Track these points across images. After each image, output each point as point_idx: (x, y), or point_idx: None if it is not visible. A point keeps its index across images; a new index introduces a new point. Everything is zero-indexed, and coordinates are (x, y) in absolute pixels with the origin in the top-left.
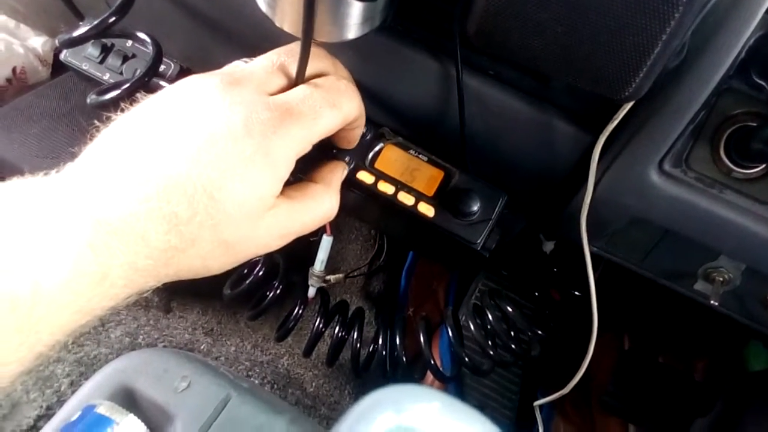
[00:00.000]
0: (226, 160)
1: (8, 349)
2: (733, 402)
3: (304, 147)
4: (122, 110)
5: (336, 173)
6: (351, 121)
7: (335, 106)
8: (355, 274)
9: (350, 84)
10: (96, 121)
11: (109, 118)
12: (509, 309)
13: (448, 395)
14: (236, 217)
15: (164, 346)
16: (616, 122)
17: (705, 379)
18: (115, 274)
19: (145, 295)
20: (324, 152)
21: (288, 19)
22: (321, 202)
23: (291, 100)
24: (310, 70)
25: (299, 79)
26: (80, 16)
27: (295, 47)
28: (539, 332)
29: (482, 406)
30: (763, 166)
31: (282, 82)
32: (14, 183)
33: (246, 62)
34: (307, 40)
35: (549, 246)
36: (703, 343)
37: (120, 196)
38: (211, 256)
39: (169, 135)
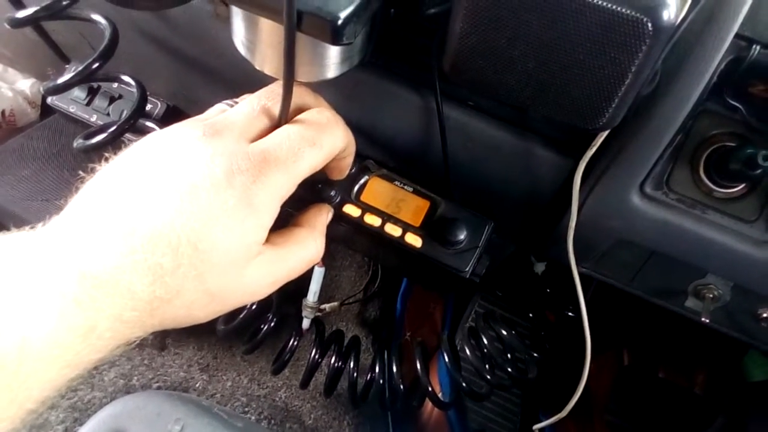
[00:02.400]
0: (209, 211)
1: None
2: (735, 414)
3: (287, 190)
4: (106, 159)
5: (320, 216)
6: (337, 153)
7: (315, 144)
8: (350, 301)
9: (332, 117)
10: (80, 172)
11: (93, 169)
12: (504, 331)
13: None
14: (221, 266)
15: (159, 387)
16: (594, 148)
17: (705, 392)
18: (101, 327)
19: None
20: (309, 188)
21: (268, 62)
22: (306, 247)
23: (269, 147)
24: (293, 108)
25: (282, 120)
26: (66, 60)
27: (276, 88)
28: (535, 354)
29: (483, 429)
30: (743, 185)
31: (264, 124)
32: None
33: (230, 105)
34: (289, 82)
35: (540, 267)
36: (702, 355)
37: (105, 249)
38: (196, 306)
39: (153, 186)
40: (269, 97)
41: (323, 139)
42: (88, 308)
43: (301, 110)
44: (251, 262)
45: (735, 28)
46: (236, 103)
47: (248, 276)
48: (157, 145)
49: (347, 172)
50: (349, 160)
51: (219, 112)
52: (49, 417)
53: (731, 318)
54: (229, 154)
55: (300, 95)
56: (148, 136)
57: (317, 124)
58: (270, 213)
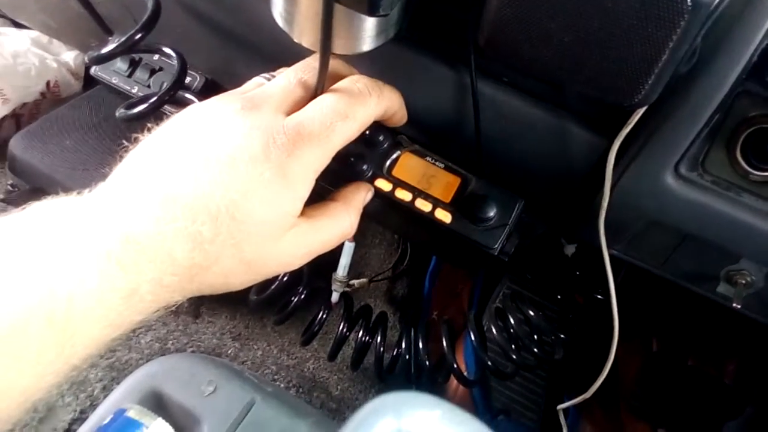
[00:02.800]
0: (247, 183)
1: (45, 362)
2: (765, 405)
3: (321, 164)
4: (148, 129)
5: (358, 194)
6: (371, 121)
7: (348, 117)
8: (379, 278)
9: (364, 87)
10: (124, 141)
11: (137, 139)
12: (531, 312)
13: (450, 404)
14: (257, 236)
15: (193, 351)
16: (630, 127)
17: (735, 382)
18: (143, 290)
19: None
20: (343, 162)
21: (305, 34)
22: (339, 220)
23: (303, 121)
24: (329, 79)
25: (318, 92)
26: (109, 32)
27: (312, 61)
28: (562, 336)
29: (507, 409)
30: None
31: (300, 97)
32: (49, 203)
33: (267, 78)
34: (326, 54)
35: (570, 249)
36: (733, 345)
37: (147, 215)
38: (232, 274)
39: (193, 157)
40: (305, 71)
41: (356, 110)
42: (131, 271)
43: (336, 81)
44: (286, 233)
45: None
46: (273, 77)
47: (283, 247)
48: (197, 117)
49: (402, 123)
50: (399, 116)
51: (256, 85)
52: (89, 375)
53: (763, 304)
54: (265, 128)
55: (335, 67)
56: (188, 108)
57: (349, 96)
58: (305, 186)
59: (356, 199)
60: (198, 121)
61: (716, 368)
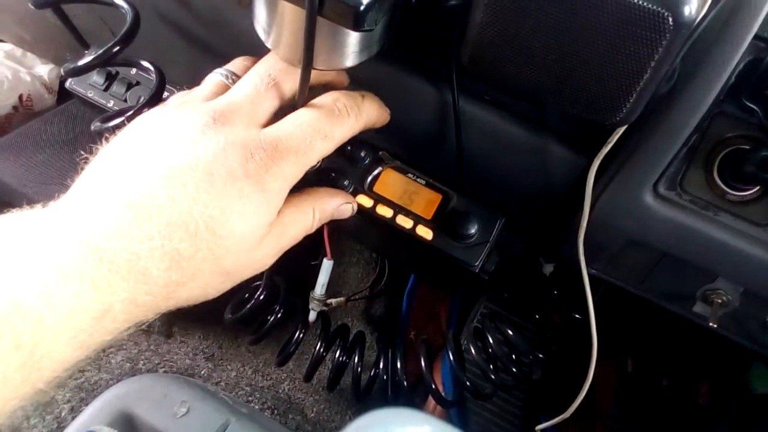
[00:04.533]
0: (226, 199)
1: (11, 387)
2: (738, 425)
3: (297, 177)
4: (106, 139)
5: (329, 193)
6: (346, 139)
7: (326, 136)
8: (357, 297)
9: (346, 106)
10: (82, 152)
11: (96, 149)
12: (510, 332)
13: (439, 420)
14: (236, 249)
15: (165, 372)
16: (610, 146)
17: (709, 403)
18: (116, 309)
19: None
20: (323, 177)
21: (288, 48)
22: (304, 213)
23: (281, 136)
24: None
25: (297, 102)
26: (86, 45)
27: (275, 61)
28: (540, 355)
29: (485, 431)
30: (757, 188)
31: (272, 105)
32: (13, 216)
33: (224, 75)
34: (307, 69)
35: (549, 268)
36: (707, 366)
37: (122, 234)
38: (210, 285)
39: (167, 173)
40: (272, 72)
41: (334, 130)
42: (104, 291)
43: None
44: (263, 240)
45: (754, 30)
46: (231, 72)
47: (259, 253)
48: (165, 129)
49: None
50: (378, 124)
51: (215, 86)
52: (56, 396)
53: (739, 324)
54: (242, 143)
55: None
56: (150, 115)
57: (328, 115)
58: (281, 197)
59: (323, 196)
60: (166, 134)
61: (690, 388)
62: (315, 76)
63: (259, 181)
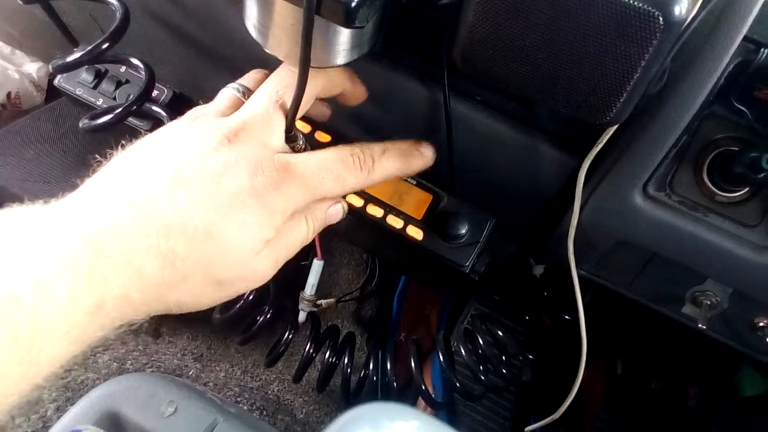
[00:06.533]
0: (229, 207)
1: (10, 382)
2: (726, 428)
3: (301, 204)
4: (123, 146)
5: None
6: (376, 183)
7: (338, 179)
8: (347, 298)
9: (366, 161)
10: (97, 156)
11: (111, 155)
12: (500, 333)
13: (428, 416)
14: (230, 258)
15: (152, 372)
16: (600, 146)
17: (698, 405)
18: (109, 305)
19: None
20: None
21: (279, 45)
22: (300, 226)
23: (296, 163)
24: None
25: (293, 116)
26: (75, 43)
27: (286, 76)
28: (530, 357)
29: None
30: (746, 189)
31: (280, 120)
32: (12, 211)
33: (237, 90)
34: (305, 66)
35: (539, 270)
36: (696, 369)
37: (120, 230)
38: (202, 293)
39: (177, 181)
40: (282, 88)
41: (347, 179)
42: (98, 285)
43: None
44: (258, 255)
45: (744, 31)
46: (244, 87)
47: (255, 266)
48: (177, 142)
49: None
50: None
51: (229, 101)
52: (42, 395)
53: (727, 326)
54: (253, 159)
55: (313, 80)
56: (165, 129)
57: (346, 163)
58: (282, 218)
59: (311, 203)
60: (179, 146)
61: (679, 392)
62: (326, 87)
63: (265, 196)
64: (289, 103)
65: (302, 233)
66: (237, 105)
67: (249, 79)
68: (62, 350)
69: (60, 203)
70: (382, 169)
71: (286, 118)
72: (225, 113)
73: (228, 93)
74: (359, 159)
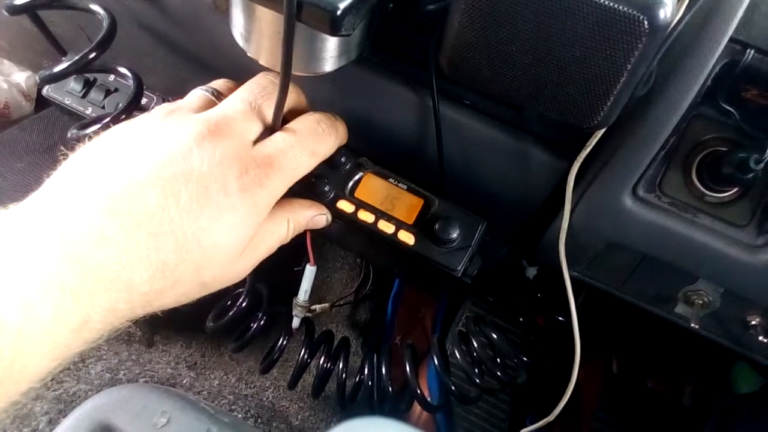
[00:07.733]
0: (218, 211)
1: None
2: (722, 426)
3: (283, 192)
4: (89, 138)
5: (302, 204)
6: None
7: (313, 153)
8: (341, 303)
9: (326, 127)
10: (63, 148)
11: (77, 146)
12: (494, 336)
13: (415, 429)
14: (217, 261)
15: (146, 382)
16: (589, 149)
17: (693, 403)
18: (94, 320)
19: (128, 329)
20: (303, 183)
21: (266, 53)
22: (278, 225)
23: (273, 153)
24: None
25: (276, 122)
26: (63, 52)
27: (263, 82)
28: (525, 359)
29: None
30: (735, 189)
31: (259, 123)
32: None
33: (208, 92)
34: (287, 74)
35: (532, 272)
36: (691, 366)
37: (107, 244)
38: (186, 295)
39: (161, 183)
40: (260, 94)
41: (319, 148)
42: (85, 303)
43: (290, 110)
44: (243, 254)
45: (730, 32)
46: (215, 89)
47: (237, 266)
48: (156, 137)
49: None
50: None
51: (200, 100)
52: (34, 408)
53: (720, 325)
54: (237, 158)
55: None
56: (139, 121)
57: (313, 134)
58: (267, 211)
59: (297, 207)
60: (158, 142)
61: (675, 390)
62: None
63: (252, 195)
64: (264, 106)
65: (282, 234)
66: (209, 105)
67: (219, 83)
68: (43, 368)
69: (32, 207)
70: (342, 132)
71: (262, 119)
72: (198, 111)
73: (199, 93)
74: (328, 126)
